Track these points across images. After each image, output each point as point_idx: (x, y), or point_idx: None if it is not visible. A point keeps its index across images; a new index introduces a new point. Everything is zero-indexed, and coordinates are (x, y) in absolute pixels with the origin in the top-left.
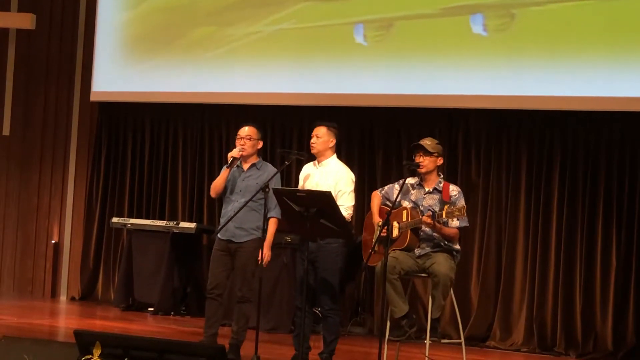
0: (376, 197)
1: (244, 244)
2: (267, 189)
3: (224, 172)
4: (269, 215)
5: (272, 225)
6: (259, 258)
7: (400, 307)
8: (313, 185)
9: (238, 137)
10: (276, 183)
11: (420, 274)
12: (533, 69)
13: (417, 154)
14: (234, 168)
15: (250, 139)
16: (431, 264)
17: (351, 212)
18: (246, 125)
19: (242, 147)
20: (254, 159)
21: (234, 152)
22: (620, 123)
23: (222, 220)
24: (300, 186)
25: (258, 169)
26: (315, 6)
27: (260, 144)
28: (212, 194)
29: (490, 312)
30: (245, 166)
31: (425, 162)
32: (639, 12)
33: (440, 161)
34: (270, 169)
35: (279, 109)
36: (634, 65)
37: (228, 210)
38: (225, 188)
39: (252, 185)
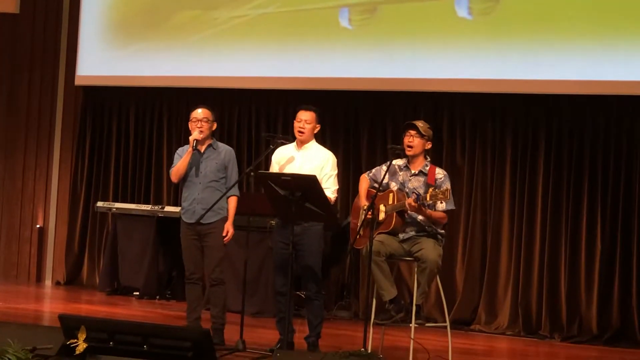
0: (364, 180)
1: (212, 224)
2: (251, 173)
3: (187, 156)
4: (228, 194)
5: (232, 203)
6: (223, 234)
7: (389, 290)
8: (296, 169)
9: (194, 119)
10: (234, 162)
11: (406, 257)
12: (518, 53)
13: (407, 134)
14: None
15: (207, 121)
16: (419, 249)
17: (337, 195)
18: (199, 108)
19: (200, 129)
20: (209, 140)
21: (195, 135)
22: (605, 106)
23: (186, 204)
24: (275, 169)
25: (215, 149)
26: None
27: (215, 125)
28: (174, 178)
29: (475, 295)
30: (202, 148)
31: (415, 143)
32: None
33: (429, 145)
34: (226, 148)
35: (264, 92)
36: (620, 49)
37: (191, 192)
38: (185, 172)
39: (211, 166)
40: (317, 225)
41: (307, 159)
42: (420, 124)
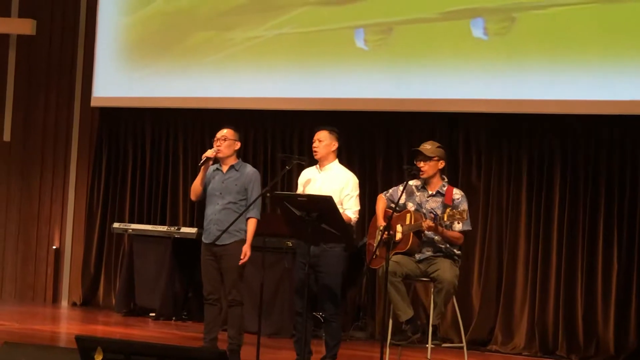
0: (381, 201)
1: (227, 245)
2: (267, 194)
3: (200, 173)
4: (247, 216)
5: (251, 225)
6: (241, 256)
7: (405, 310)
8: (316, 190)
9: (215, 139)
10: (256, 184)
11: (422, 278)
12: (534, 73)
13: (417, 159)
14: (214, 170)
15: (225, 140)
16: (435, 270)
17: (357, 216)
18: (225, 128)
19: (218, 147)
20: (232, 161)
21: (209, 153)
22: (620, 126)
23: (205, 223)
24: (299, 191)
25: (237, 171)
26: (316, 11)
27: (238, 145)
28: (192, 196)
29: (491, 315)
30: (225, 168)
31: (425, 168)
32: (639, 15)
33: (441, 164)
34: (248, 170)
35: (280, 113)
36: (634, 69)
37: (209, 212)
38: (205, 190)
39: (231, 187)
40: (337, 246)
41: (328, 180)
42: (427, 145)
